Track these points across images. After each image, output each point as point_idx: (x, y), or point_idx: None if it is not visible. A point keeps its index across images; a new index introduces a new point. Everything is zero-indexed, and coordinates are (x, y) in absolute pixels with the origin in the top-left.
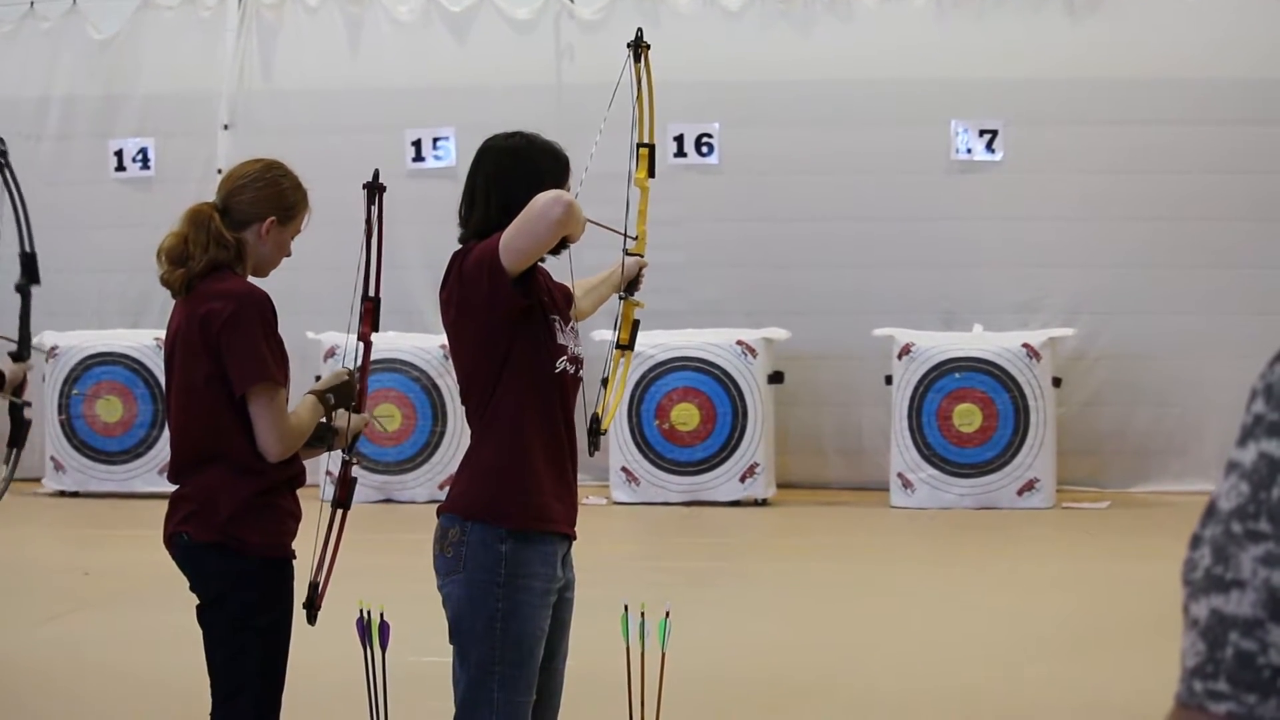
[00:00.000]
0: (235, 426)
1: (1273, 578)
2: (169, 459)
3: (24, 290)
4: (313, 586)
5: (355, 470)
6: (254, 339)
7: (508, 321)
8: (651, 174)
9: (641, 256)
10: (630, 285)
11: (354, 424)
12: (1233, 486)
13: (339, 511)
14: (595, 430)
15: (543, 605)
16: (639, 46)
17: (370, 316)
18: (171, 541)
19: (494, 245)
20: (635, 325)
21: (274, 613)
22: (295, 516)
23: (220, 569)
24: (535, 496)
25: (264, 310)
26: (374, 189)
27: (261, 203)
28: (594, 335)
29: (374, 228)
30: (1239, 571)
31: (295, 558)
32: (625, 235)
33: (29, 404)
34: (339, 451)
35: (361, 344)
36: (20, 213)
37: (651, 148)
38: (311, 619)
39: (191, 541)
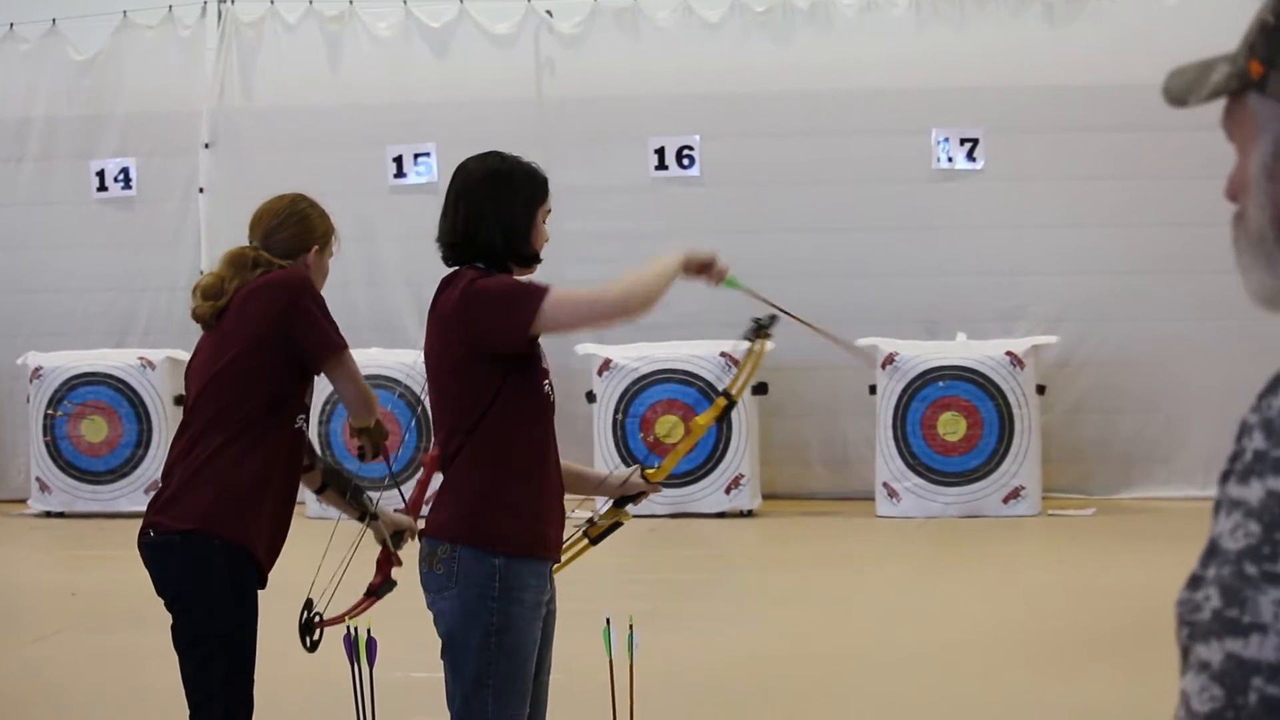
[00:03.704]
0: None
1: None
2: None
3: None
4: (309, 603)
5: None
6: (313, 316)
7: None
8: (723, 418)
9: (659, 487)
10: (626, 499)
11: (397, 520)
12: (1238, 525)
13: (370, 598)
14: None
15: (535, 618)
16: (762, 331)
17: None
18: (141, 539)
19: (520, 291)
20: (614, 527)
21: (235, 617)
22: (276, 524)
23: (185, 560)
24: (529, 523)
25: (307, 287)
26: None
27: (298, 238)
28: (578, 349)
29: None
30: (1258, 615)
31: (265, 570)
32: (778, 307)
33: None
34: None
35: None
36: None
37: (731, 401)
38: (310, 645)
39: (158, 537)
